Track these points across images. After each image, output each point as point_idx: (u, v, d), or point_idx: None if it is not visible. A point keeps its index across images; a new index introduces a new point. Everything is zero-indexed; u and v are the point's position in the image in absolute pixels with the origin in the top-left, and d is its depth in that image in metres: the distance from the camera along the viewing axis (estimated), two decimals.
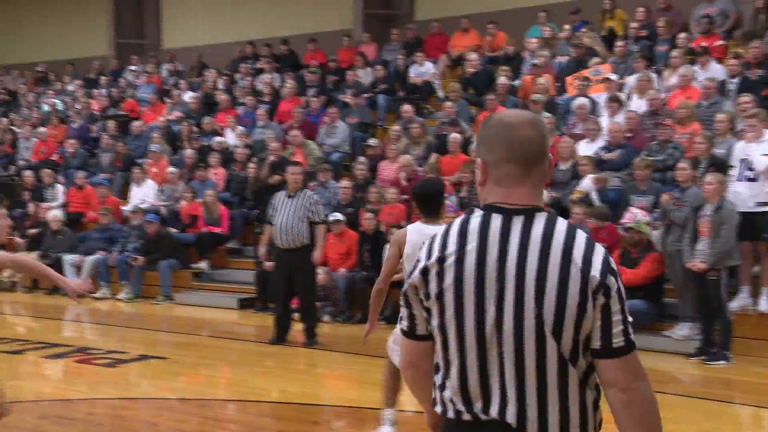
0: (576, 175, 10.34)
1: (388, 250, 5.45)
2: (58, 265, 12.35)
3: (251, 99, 15.60)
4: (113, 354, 8.90)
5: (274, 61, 17.48)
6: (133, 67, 19.71)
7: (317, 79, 16.00)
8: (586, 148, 10.76)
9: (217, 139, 14.74)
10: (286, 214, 8.97)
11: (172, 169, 14.19)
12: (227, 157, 14.21)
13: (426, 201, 5.27)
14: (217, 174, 13.87)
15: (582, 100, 11.56)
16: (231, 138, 14.82)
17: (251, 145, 14.33)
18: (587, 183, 9.99)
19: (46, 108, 18.93)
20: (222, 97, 15.99)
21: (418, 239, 4.82)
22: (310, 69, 16.40)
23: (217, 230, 12.74)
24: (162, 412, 6.84)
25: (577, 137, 11.14)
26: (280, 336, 9.25)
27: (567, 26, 14.30)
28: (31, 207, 14.74)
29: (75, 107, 18.16)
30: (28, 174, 15.46)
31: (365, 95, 14.89)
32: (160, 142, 15.26)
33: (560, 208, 9.69)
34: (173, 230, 13.11)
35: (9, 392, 4.80)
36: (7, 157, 17.19)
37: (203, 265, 12.75)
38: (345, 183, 11.70)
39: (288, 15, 19.28)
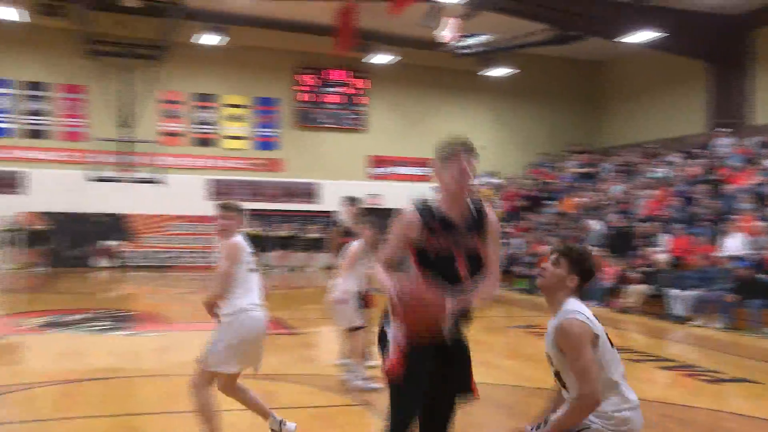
0: None
1: None
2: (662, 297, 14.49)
3: None
4: (712, 373, 9.66)
5: None
6: (723, 141, 21.81)
7: None
8: None
9: None
10: None
11: (758, 223, 15.34)
12: None
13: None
14: None
15: None
16: None
17: None
18: None
19: (656, 175, 21.88)
20: None
21: None
22: None
23: None
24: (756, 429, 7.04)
25: None
26: None
27: None
28: (641, 251, 17.25)
29: (677, 174, 20.72)
30: (640, 225, 18.29)
31: None
32: (748, 202, 16.65)
33: None
34: (762, 276, 13.87)
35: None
36: (625, 212, 20.27)
37: None
38: None
39: None
